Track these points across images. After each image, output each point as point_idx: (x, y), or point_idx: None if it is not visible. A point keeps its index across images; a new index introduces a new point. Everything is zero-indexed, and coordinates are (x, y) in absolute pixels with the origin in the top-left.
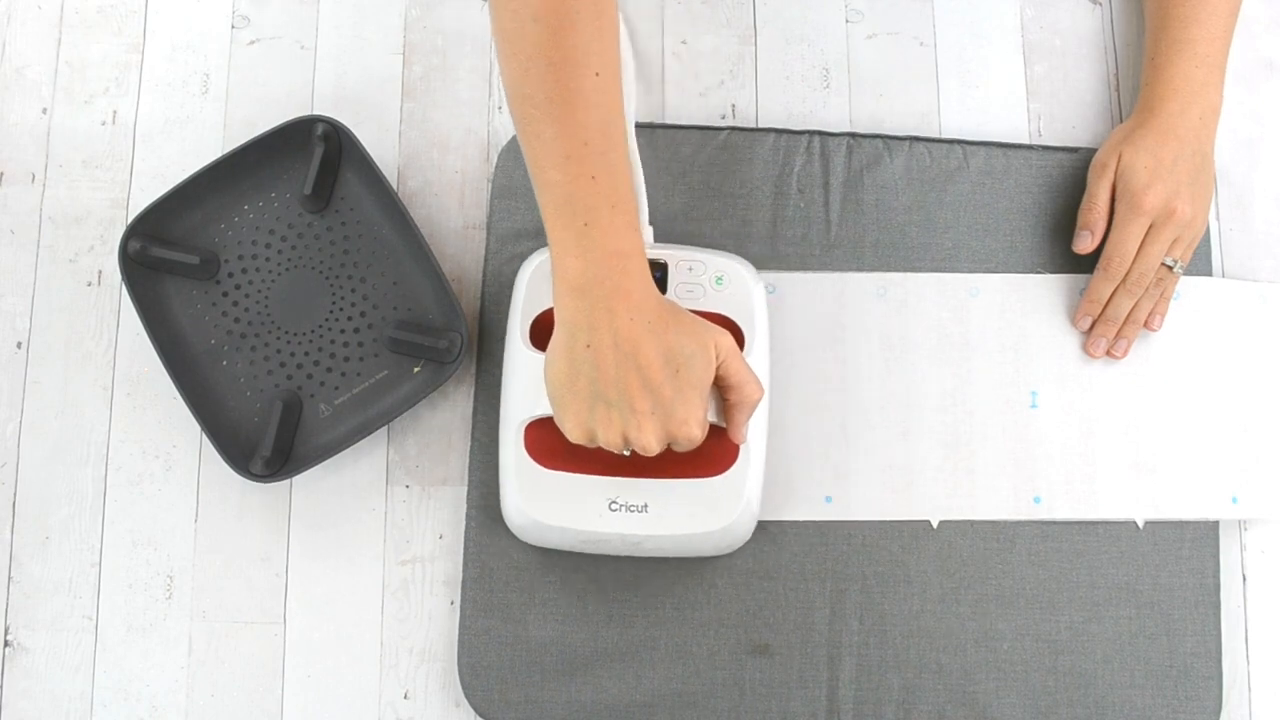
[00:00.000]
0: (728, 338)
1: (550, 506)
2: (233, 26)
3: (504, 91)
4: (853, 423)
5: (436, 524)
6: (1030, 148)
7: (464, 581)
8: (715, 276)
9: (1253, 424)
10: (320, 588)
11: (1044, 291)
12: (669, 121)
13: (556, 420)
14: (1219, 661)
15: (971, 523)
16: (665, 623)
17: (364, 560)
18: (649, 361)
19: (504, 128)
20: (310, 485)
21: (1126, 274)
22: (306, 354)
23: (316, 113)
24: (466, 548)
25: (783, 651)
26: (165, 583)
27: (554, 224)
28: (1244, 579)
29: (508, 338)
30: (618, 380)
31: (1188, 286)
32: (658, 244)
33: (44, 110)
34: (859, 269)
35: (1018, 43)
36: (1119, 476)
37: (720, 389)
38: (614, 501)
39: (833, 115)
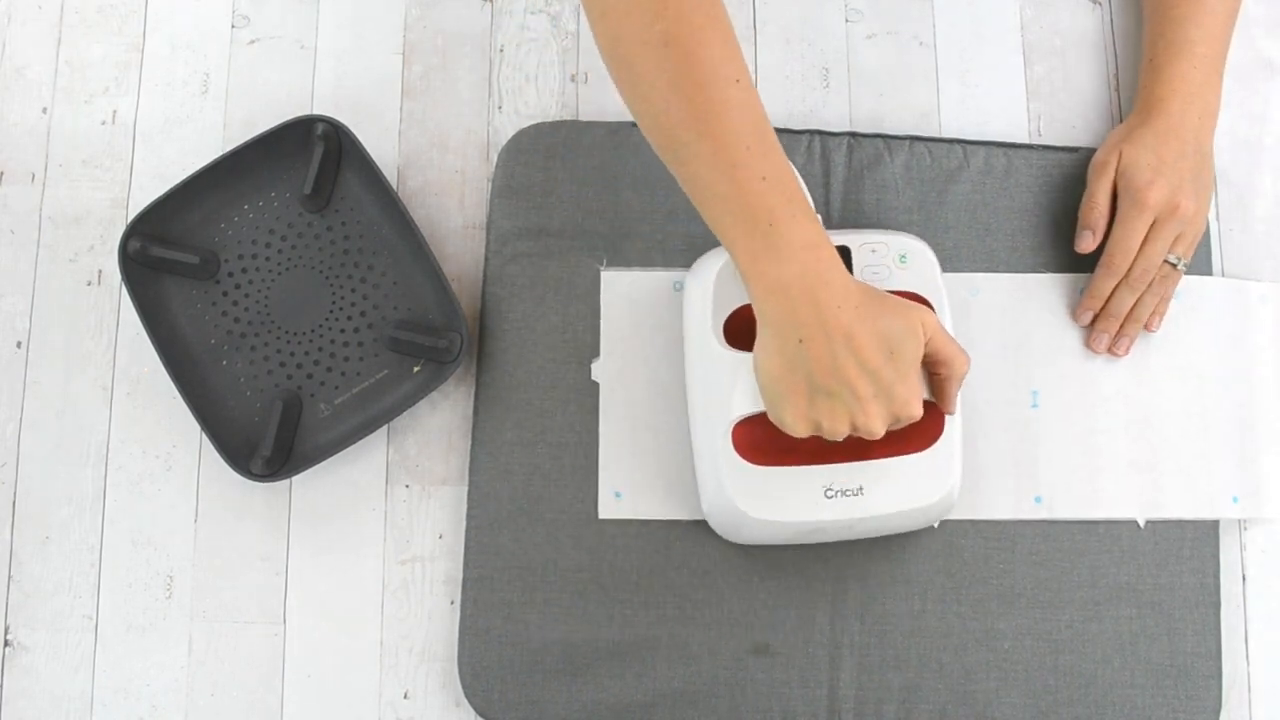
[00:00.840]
0: (931, 315)
1: (769, 503)
2: (233, 26)
3: (640, 122)
4: None
5: (436, 524)
6: (1030, 148)
7: (464, 581)
8: (899, 255)
9: (1253, 424)
10: (320, 588)
11: (1045, 291)
12: None
13: (774, 417)
14: (1219, 661)
15: (973, 522)
16: (665, 622)
17: (364, 560)
18: (864, 346)
19: (504, 127)
20: (310, 485)
21: (1129, 270)
22: (306, 354)
23: (316, 113)
24: (466, 548)
25: (783, 651)
26: (165, 583)
27: (737, 234)
28: (1244, 579)
29: (696, 340)
30: (836, 370)
31: (1188, 286)
32: (830, 230)
33: (44, 110)
34: None
35: (1018, 43)
36: (1119, 476)
37: (929, 365)
38: (829, 488)
39: (833, 115)
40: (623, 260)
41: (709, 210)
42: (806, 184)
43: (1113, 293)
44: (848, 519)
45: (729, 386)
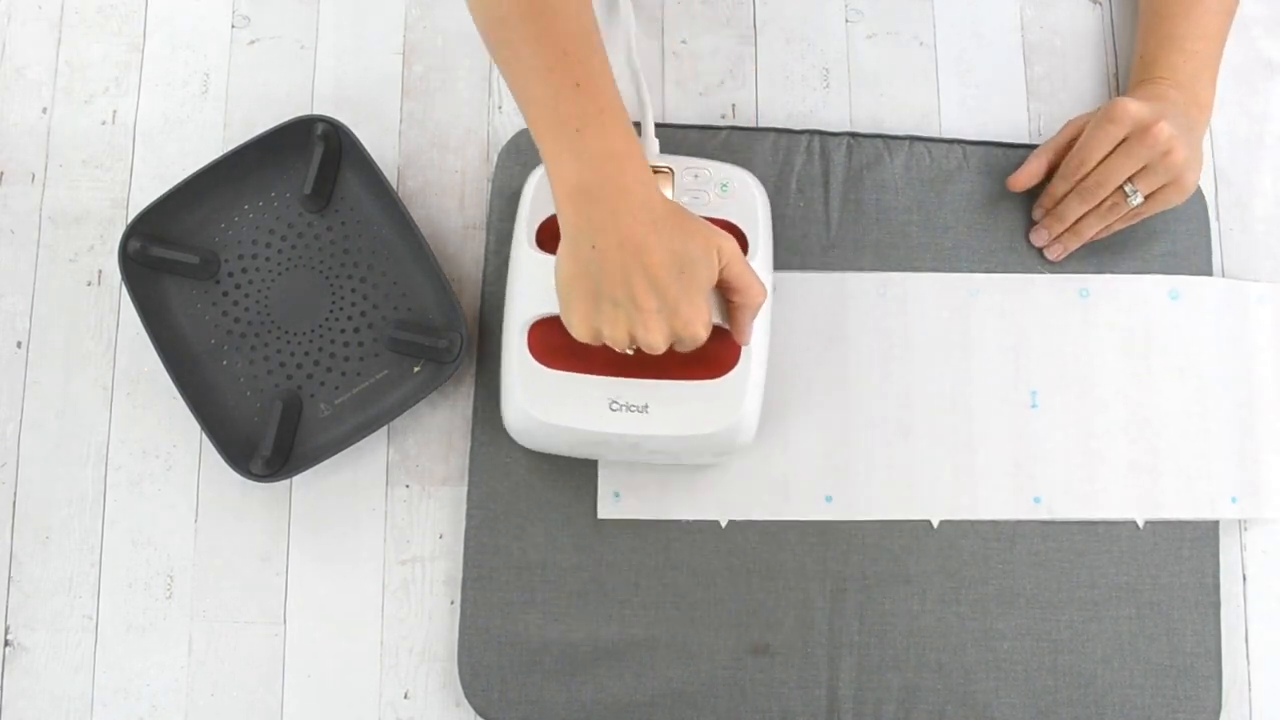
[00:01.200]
0: (732, 242)
1: (552, 406)
2: (233, 26)
3: (473, 20)
4: (853, 423)
5: (436, 524)
6: (1030, 148)
7: (464, 581)
8: (720, 183)
9: (1251, 425)
10: (320, 588)
11: (1044, 292)
12: (669, 121)
13: (564, 319)
14: (1219, 661)
15: (972, 523)
16: (665, 622)
17: (364, 560)
18: (654, 262)
19: (504, 127)
20: (310, 485)
21: (1084, 178)
22: (306, 354)
23: (316, 113)
24: (466, 548)
25: (783, 651)
26: (165, 583)
27: (545, 136)
28: (1244, 579)
29: (514, 242)
30: (623, 280)
31: (1188, 287)
32: (664, 153)
33: (44, 110)
34: (859, 269)
35: (1018, 43)
36: (1119, 476)
37: (724, 291)
38: (615, 401)
39: (833, 115)
40: None
41: (524, 110)
42: (806, 184)
43: (1064, 197)
44: (631, 435)
45: (527, 286)
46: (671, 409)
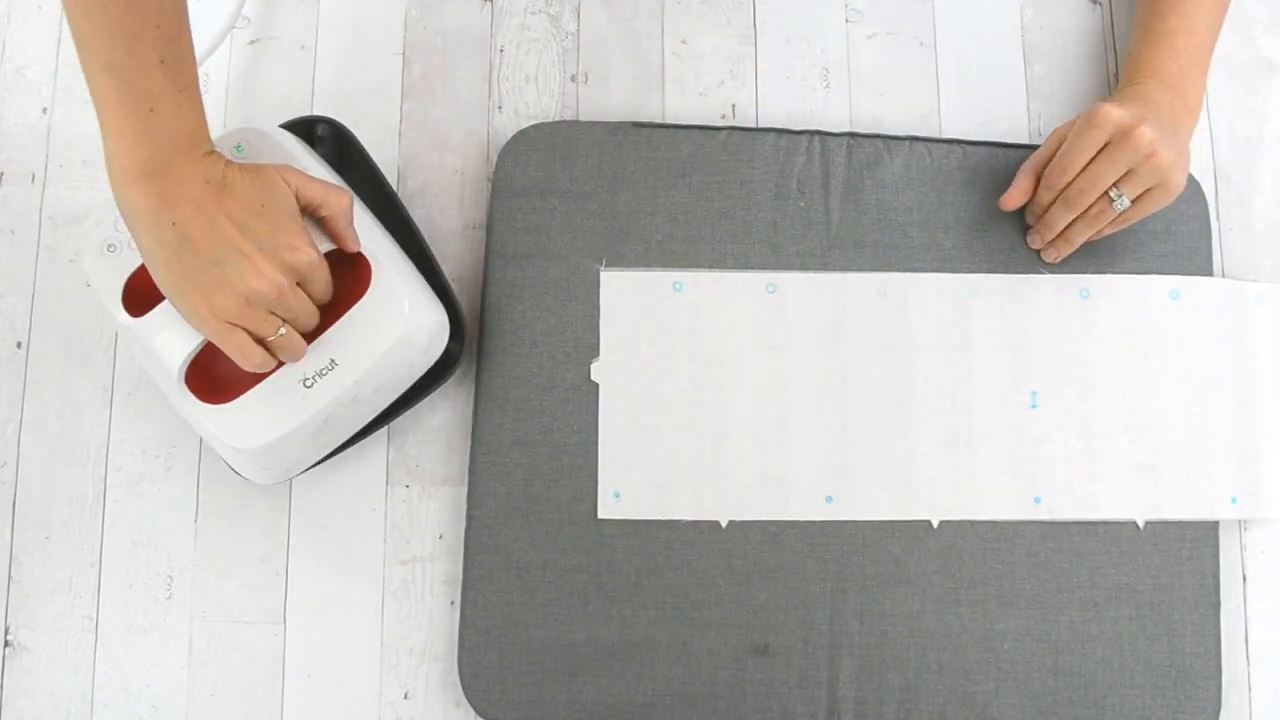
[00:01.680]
0: (289, 168)
1: (258, 429)
2: (233, 26)
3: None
4: (853, 423)
5: (436, 524)
6: (1030, 148)
7: (464, 581)
8: (234, 146)
9: (1251, 425)
10: (320, 588)
11: (1044, 292)
12: (669, 121)
13: (183, 315)
14: (1219, 661)
15: (972, 523)
16: (665, 623)
17: (364, 560)
18: (234, 208)
19: (504, 127)
20: (310, 485)
21: (1068, 186)
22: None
23: (316, 113)
24: (466, 548)
25: (783, 651)
26: (165, 583)
27: (113, 111)
28: (1244, 579)
29: (112, 319)
30: (212, 237)
31: (1185, 287)
32: None
33: (44, 110)
34: (859, 269)
35: (1018, 43)
36: (1119, 477)
37: (312, 213)
38: (305, 378)
39: (833, 115)
40: (623, 260)
41: (93, 80)
42: (806, 184)
43: (1053, 209)
44: (341, 394)
45: (148, 350)
46: (349, 348)
